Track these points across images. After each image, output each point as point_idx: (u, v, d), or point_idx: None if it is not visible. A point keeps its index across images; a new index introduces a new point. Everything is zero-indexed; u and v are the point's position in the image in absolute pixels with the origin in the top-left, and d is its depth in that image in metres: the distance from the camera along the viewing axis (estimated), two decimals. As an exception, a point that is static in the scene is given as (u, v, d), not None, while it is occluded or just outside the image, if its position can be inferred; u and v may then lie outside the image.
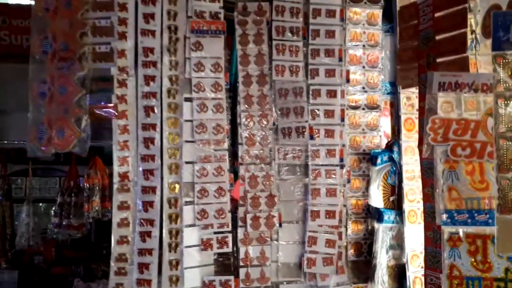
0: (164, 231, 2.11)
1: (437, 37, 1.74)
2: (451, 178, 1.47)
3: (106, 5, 2.07)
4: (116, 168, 2.10)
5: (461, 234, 1.48)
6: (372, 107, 2.30)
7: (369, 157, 2.29)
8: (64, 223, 4.28)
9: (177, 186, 2.14)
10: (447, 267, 1.50)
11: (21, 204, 4.64)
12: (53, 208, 4.32)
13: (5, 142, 4.70)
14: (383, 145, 2.34)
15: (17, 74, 5.36)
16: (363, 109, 2.29)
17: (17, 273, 4.06)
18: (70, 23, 2.02)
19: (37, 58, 2.03)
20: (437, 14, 1.75)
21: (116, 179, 2.10)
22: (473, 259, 1.46)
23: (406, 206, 2.26)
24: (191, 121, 2.15)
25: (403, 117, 2.28)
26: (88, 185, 4.12)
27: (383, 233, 2.24)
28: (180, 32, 2.17)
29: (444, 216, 1.48)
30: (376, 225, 2.25)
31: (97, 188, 4.15)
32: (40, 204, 5.17)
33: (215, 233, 2.14)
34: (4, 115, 5.30)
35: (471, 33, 1.65)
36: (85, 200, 4.13)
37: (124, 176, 2.11)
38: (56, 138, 2.00)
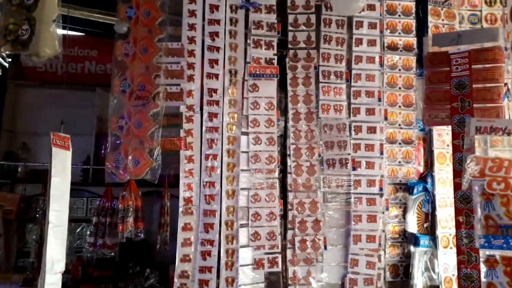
0: (221, 250, 2.39)
1: (474, 86, 2.05)
2: (488, 208, 1.74)
3: (177, 51, 2.43)
4: (182, 193, 2.41)
5: (497, 257, 1.73)
6: (407, 142, 2.60)
7: (406, 187, 2.57)
8: (98, 242, 4.56)
9: (233, 209, 2.44)
10: (485, 285, 1.75)
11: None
12: (89, 228, 4.60)
13: (44, 164, 5.04)
14: (417, 176, 2.62)
15: (49, 99, 5.83)
16: (399, 143, 2.59)
17: (47, 292, 4.30)
18: (147, 67, 2.38)
19: (116, 96, 2.38)
20: (474, 66, 2.07)
21: (181, 203, 2.41)
22: (508, 279, 1.70)
23: (439, 232, 2.51)
24: (247, 152, 2.47)
25: (435, 152, 2.57)
26: (122, 206, 4.41)
27: (419, 256, 2.49)
28: (239, 75, 2.52)
29: (482, 241, 1.74)
30: (412, 249, 2.51)
31: (131, 209, 4.44)
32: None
33: (266, 253, 2.42)
34: (36, 137, 5.70)
35: (504, 85, 1.97)
36: (120, 220, 4.42)
37: (188, 200, 2.41)
38: (132, 167, 2.32)
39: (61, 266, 2.23)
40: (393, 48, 2.60)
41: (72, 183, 5.70)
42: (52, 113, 5.64)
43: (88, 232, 4.85)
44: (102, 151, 5.68)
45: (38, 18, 2.27)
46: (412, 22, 2.62)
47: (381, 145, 2.53)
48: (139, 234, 4.39)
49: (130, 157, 2.31)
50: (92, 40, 5.73)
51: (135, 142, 2.32)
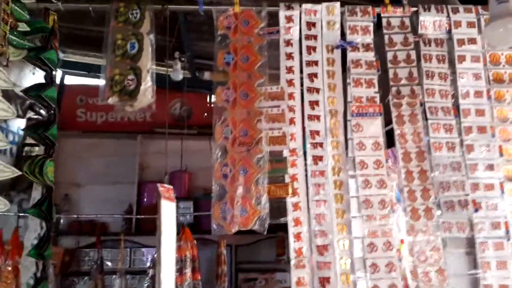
0: (339, 307, 2.36)
1: None
2: None
3: (277, 95, 2.55)
4: (292, 244, 2.42)
5: None
6: (527, 179, 2.61)
7: (533, 229, 2.55)
8: (156, 296, 4.51)
9: (348, 261, 2.43)
10: None
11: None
12: (146, 280, 4.61)
13: (97, 215, 5.13)
14: (542, 216, 2.60)
15: (91, 149, 6.04)
16: (519, 181, 2.60)
17: None
18: (248, 112, 2.50)
19: (219, 144, 2.48)
20: None
21: (292, 255, 2.40)
22: None
23: None
24: (356, 197, 2.51)
25: (559, 189, 2.57)
26: (179, 257, 4.38)
27: (560, 307, 2.41)
28: (339, 115, 2.62)
29: None
30: (550, 299, 2.44)
31: (189, 259, 4.41)
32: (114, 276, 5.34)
33: (388, 308, 2.37)
34: (77, 187, 5.85)
35: None
36: (177, 272, 4.38)
37: (299, 252, 2.42)
38: (239, 217, 2.36)
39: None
40: (499, 81, 2.70)
41: (113, 234, 5.74)
42: (93, 163, 5.86)
43: (145, 285, 4.86)
44: (145, 199, 5.79)
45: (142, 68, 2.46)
46: (515, 53, 2.74)
47: (501, 183, 2.54)
48: (197, 286, 4.34)
49: (237, 207, 2.37)
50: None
51: (241, 190, 2.39)
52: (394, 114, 2.62)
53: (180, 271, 4.30)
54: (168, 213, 2.33)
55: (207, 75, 5.51)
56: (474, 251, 2.49)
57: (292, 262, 2.39)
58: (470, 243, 2.50)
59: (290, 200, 2.46)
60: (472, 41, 2.71)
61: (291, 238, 2.42)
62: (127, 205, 5.77)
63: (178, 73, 4.51)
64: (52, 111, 2.25)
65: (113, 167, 5.91)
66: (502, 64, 2.71)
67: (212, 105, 6.16)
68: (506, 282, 2.41)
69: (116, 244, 5.36)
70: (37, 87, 2.20)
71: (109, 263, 5.30)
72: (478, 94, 2.65)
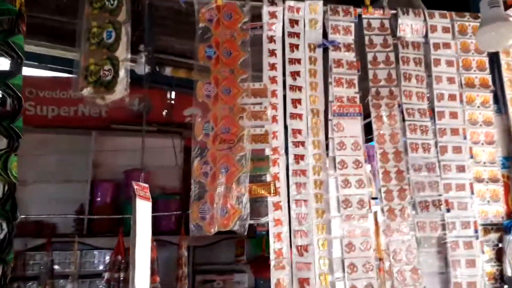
0: (318, 308, 2.40)
1: None
2: None
3: (260, 91, 2.55)
4: (272, 245, 2.42)
5: None
6: (494, 180, 2.78)
7: (497, 228, 2.72)
8: (111, 300, 4.35)
9: (327, 261, 2.49)
10: None
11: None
12: (101, 284, 4.45)
13: (48, 215, 4.89)
14: (506, 216, 2.80)
15: (40, 145, 5.72)
16: (487, 182, 2.78)
17: None
18: (230, 109, 2.48)
19: (199, 140, 2.43)
20: None
21: (272, 256, 2.41)
22: None
23: (538, 275, 2.66)
24: (335, 196, 2.57)
25: (525, 190, 2.78)
26: (137, 259, 4.28)
27: (522, 302, 2.61)
28: (321, 115, 2.66)
29: None
30: (513, 294, 2.63)
31: None
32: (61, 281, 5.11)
33: (365, 309, 2.44)
34: (23, 186, 5.50)
35: None
36: (134, 275, 4.28)
37: (279, 253, 2.43)
38: (219, 217, 2.34)
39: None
40: (470, 85, 2.87)
41: (62, 235, 5.47)
42: (43, 159, 5.55)
43: (100, 290, 4.67)
44: (98, 199, 5.57)
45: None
46: (485, 59, 2.91)
47: (471, 184, 2.70)
48: (156, 290, 4.24)
49: (217, 206, 2.34)
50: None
51: (222, 189, 2.37)
52: (373, 114, 2.69)
53: (137, 274, 4.20)
54: (143, 213, 2.25)
55: (168, 71, 5.40)
56: (444, 250, 2.62)
57: (272, 263, 2.40)
58: (441, 242, 2.63)
59: (271, 200, 2.47)
60: (447, 45, 2.85)
61: (272, 239, 2.43)
62: (78, 205, 5.53)
63: (141, 67, 4.37)
64: (18, 101, 2.10)
65: (65, 164, 5.64)
66: (473, 69, 2.88)
67: (172, 102, 6.04)
68: (474, 279, 2.56)
69: (65, 246, 5.12)
70: (2, 75, 2.05)
71: (57, 267, 5.07)
72: (451, 97, 2.79)
